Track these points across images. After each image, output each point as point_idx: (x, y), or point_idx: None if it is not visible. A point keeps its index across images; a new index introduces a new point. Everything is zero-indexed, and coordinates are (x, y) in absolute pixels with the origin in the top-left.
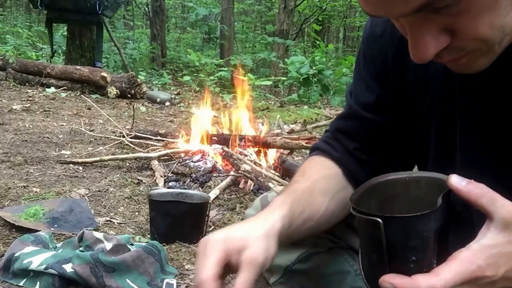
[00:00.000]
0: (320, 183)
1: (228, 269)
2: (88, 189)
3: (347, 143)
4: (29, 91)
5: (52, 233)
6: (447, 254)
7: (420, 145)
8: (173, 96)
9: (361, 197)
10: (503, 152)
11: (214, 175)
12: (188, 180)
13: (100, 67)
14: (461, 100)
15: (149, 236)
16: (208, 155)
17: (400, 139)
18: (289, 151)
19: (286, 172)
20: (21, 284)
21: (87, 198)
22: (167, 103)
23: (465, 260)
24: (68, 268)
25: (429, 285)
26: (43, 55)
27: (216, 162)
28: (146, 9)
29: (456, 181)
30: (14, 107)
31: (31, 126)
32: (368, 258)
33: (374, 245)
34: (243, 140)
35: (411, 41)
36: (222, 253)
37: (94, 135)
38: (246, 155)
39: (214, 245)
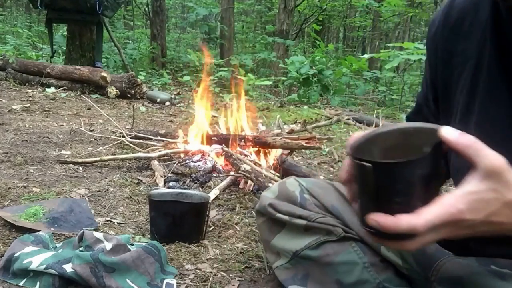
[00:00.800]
0: None
1: None
2: (88, 189)
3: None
4: (29, 91)
5: (52, 233)
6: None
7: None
8: (173, 96)
9: (364, 145)
10: None
11: (214, 175)
12: (188, 180)
13: (100, 67)
14: (486, 79)
15: (149, 236)
16: (208, 155)
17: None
18: (289, 151)
19: (286, 172)
20: (21, 284)
21: (87, 198)
22: (167, 103)
23: (447, 203)
24: (68, 268)
25: (410, 223)
26: (43, 55)
27: (216, 162)
28: (146, 9)
29: (447, 131)
30: (14, 107)
31: (31, 126)
32: (361, 201)
33: (366, 188)
34: (243, 140)
35: None
36: None
37: (94, 135)
38: (246, 155)
39: None
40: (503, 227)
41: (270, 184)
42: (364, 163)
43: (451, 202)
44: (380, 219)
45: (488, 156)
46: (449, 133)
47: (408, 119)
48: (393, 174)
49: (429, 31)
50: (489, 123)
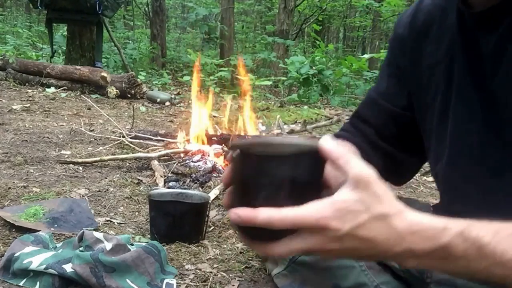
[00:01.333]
0: None
1: None
2: (88, 189)
3: (365, 129)
4: (29, 91)
5: (52, 233)
6: None
7: (428, 132)
8: (173, 96)
9: (255, 145)
10: (486, 134)
11: (214, 175)
12: (188, 180)
13: (100, 67)
14: (458, 84)
15: (149, 236)
16: (208, 155)
17: (413, 132)
18: None
19: None
20: (21, 284)
21: (87, 198)
22: (167, 103)
23: (312, 208)
24: (68, 268)
25: (267, 215)
26: (43, 55)
27: (216, 163)
28: (146, 9)
29: (323, 141)
30: (14, 107)
31: (31, 126)
32: (233, 193)
33: (235, 180)
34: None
35: None
36: None
37: (94, 135)
38: None
39: None
40: (373, 244)
41: None
42: (236, 150)
43: (316, 207)
44: (240, 212)
45: (356, 166)
46: (324, 143)
47: (358, 113)
48: (258, 166)
49: (395, 32)
50: (463, 130)
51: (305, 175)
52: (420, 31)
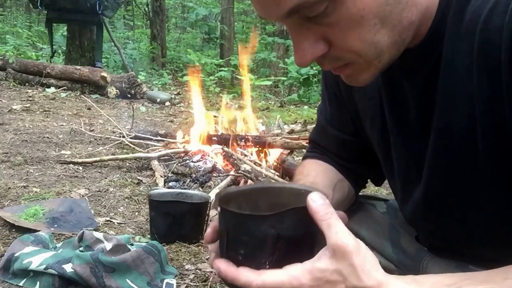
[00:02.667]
0: (320, 177)
1: None
2: (88, 189)
3: (327, 153)
4: (29, 91)
5: (52, 233)
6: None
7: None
8: (173, 96)
9: (251, 193)
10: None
11: (214, 175)
12: (188, 180)
13: (100, 67)
14: (390, 117)
15: (149, 236)
16: (208, 155)
17: (366, 152)
18: (289, 151)
19: (286, 172)
20: (21, 284)
21: (87, 198)
22: (167, 103)
23: (292, 274)
24: (68, 268)
25: (247, 279)
26: (43, 55)
27: (216, 163)
28: (146, 9)
29: (312, 198)
30: (14, 107)
31: (31, 126)
32: (219, 247)
33: (219, 233)
34: (243, 140)
35: (294, 45)
36: None
37: (94, 135)
38: (246, 155)
39: None
40: None
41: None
42: (218, 206)
43: (296, 274)
44: (222, 266)
45: (337, 234)
46: (312, 200)
47: (312, 140)
48: (238, 224)
49: None
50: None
51: (291, 231)
52: None
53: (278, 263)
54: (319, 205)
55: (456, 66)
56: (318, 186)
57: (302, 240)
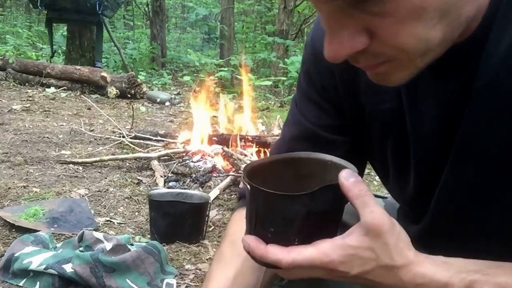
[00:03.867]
0: (244, 277)
1: None
2: (88, 189)
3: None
4: (29, 91)
5: (52, 233)
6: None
7: (380, 163)
8: (173, 96)
9: (276, 164)
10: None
11: (214, 175)
12: (188, 180)
13: (100, 67)
14: (412, 126)
15: (149, 236)
16: (208, 155)
17: (363, 157)
18: None
19: None
20: (21, 284)
21: (87, 198)
22: (167, 103)
23: (322, 251)
24: (68, 268)
25: (276, 258)
26: (43, 55)
27: (216, 163)
28: (146, 9)
29: (344, 176)
30: (14, 107)
31: (31, 126)
32: (246, 223)
33: (248, 210)
34: (243, 140)
35: (327, 35)
36: None
37: (94, 135)
38: (246, 155)
39: None
40: (382, 285)
41: None
42: (248, 184)
43: (327, 250)
44: (252, 243)
45: (372, 212)
46: (345, 178)
47: (285, 135)
48: (268, 203)
49: (316, 50)
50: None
51: (320, 208)
52: None
53: (307, 239)
54: (352, 183)
55: (498, 72)
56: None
57: (330, 216)
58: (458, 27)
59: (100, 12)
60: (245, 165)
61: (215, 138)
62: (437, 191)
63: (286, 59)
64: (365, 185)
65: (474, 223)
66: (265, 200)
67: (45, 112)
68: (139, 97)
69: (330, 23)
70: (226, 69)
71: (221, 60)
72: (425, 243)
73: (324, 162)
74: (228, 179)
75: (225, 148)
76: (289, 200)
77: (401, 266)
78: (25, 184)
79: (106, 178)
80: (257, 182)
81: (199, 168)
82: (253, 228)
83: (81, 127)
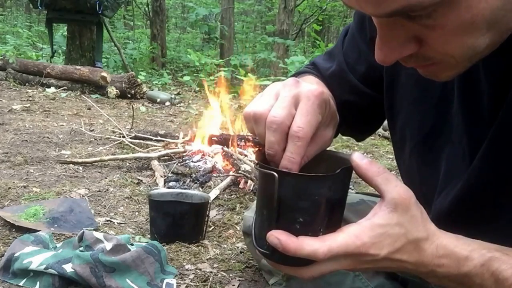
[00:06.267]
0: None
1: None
2: (88, 189)
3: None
4: (29, 91)
5: (52, 233)
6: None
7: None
8: (173, 96)
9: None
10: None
11: (214, 175)
12: (188, 180)
13: (100, 67)
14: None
15: (149, 236)
16: (208, 155)
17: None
18: None
19: None
20: (21, 284)
21: (87, 198)
22: (167, 103)
23: (353, 234)
24: (68, 268)
25: (313, 248)
26: (43, 55)
27: (216, 163)
28: (146, 9)
29: (357, 157)
30: (14, 107)
31: (31, 126)
32: (260, 215)
33: (267, 200)
34: (243, 140)
35: (378, 40)
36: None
37: (94, 135)
38: (246, 155)
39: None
40: (403, 264)
41: None
42: (270, 171)
43: (357, 233)
44: (282, 237)
45: (396, 187)
46: (360, 159)
47: (321, 73)
48: (298, 188)
49: None
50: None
51: (340, 194)
52: None
53: (330, 228)
54: (368, 162)
55: None
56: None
57: (342, 202)
58: (506, 31)
59: (100, 12)
60: (255, 156)
61: (215, 138)
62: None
63: (286, 59)
64: (379, 163)
65: (492, 208)
66: (296, 185)
67: (45, 112)
68: (139, 97)
69: (382, 30)
70: (226, 69)
71: (221, 60)
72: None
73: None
74: (228, 179)
75: (225, 148)
76: (319, 182)
77: (425, 238)
78: (25, 184)
79: (106, 178)
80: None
81: (199, 168)
82: (273, 222)
83: (81, 127)
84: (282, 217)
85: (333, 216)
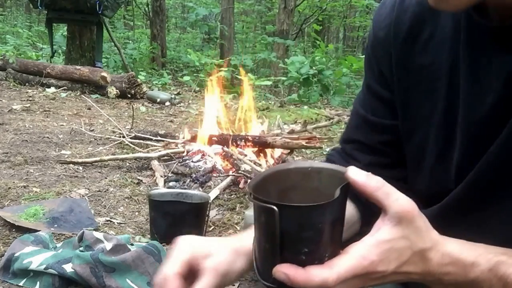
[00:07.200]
0: None
1: (191, 274)
2: (88, 189)
3: (356, 155)
4: (29, 91)
5: (52, 233)
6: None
7: (419, 145)
8: (173, 96)
9: (261, 184)
10: (503, 150)
11: (214, 175)
12: (188, 180)
13: (100, 67)
14: (464, 95)
15: (149, 236)
16: (208, 155)
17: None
18: (289, 151)
19: None
20: (21, 284)
21: (87, 198)
22: (167, 103)
23: (359, 255)
24: (68, 268)
25: (322, 278)
26: (43, 55)
27: (216, 163)
28: (146, 9)
29: (354, 173)
30: (14, 107)
31: (31, 126)
32: (262, 249)
33: (268, 234)
34: (243, 140)
35: None
36: (188, 254)
37: (94, 135)
38: (246, 155)
39: (182, 246)
40: (409, 276)
41: None
42: (269, 205)
43: (363, 253)
44: (289, 271)
45: (398, 200)
46: (357, 174)
47: (346, 139)
48: (301, 219)
49: (375, 35)
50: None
51: (340, 213)
52: (407, 36)
53: (335, 251)
54: (365, 177)
55: None
56: None
57: (343, 220)
58: None
59: (100, 12)
60: (250, 187)
61: (215, 138)
62: (479, 163)
63: (286, 59)
64: (377, 176)
65: (501, 204)
66: (298, 217)
67: (45, 112)
68: (139, 97)
69: None
70: (226, 69)
71: (221, 60)
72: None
73: (303, 170)
74: (228, 179)
75: (225, 148)
76: (321, 210)
77: (430, 247)
78: (25, 184)
79: (106, 178)
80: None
81: (199, 168)
82: (277, 255)
83: (81, 127)
84: (286, 250)
85: (335, 236)
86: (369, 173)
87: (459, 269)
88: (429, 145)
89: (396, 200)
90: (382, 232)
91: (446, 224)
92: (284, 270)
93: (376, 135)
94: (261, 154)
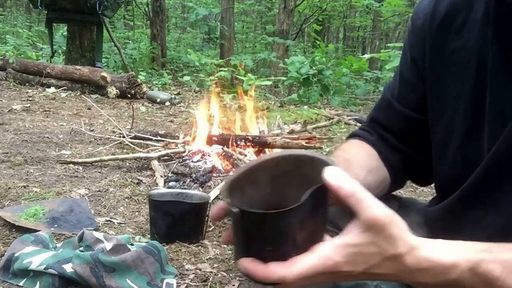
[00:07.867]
0: (358, 157)
1: None
2: (88, 189)
3: (382, 132)
4: (29, 91)
5: (52, 233)
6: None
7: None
8: (173, 96)
9: (251, 172)
10: None
11: (214, 175)
12: (188, 180)
13: (100, 67)
14: (493, 74)
15: (149, 236)
16: (208, 155)
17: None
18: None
19: None
20: (21, 284)
21: (87, 198)
22: (167, 103)
23: (323, 255)
24: (68, 268)
25: (280, 275)
26: (43, 55)
27: (216, 163)
28: (146, 9)
29: (330, 175)
30: (14, 107)
31: (31, 126)
32: (234, 242)
33: (236, 231)
34: (243, 140)
35: None
36: None
37: (94, 135)
38: (246, 155)
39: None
40: (383, 277)
41: None
42: (232, 208)
43: (327, 254)
44: (249, 266)
45: (370, 207)
46: (332, 177)
47: (373, 117)
48: (261, 222)
49: (413, 24)
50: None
51: (311, 214)
52: (442, 23)
53: (304, 247)
54: (340, 181)
55: None
56: (353, 165)
57: (320, 218)
58: None
59: (100, 12)
60: (222, 185)
61: (215, 138)
62: (501, 137)
63: (286, 59)
64: (353, 179)
65: None
66: (257, 222)
67: (45, 112)
68: (139, 97)
69: None
70: (226, 69)
71: (221, 60)
72: (454, 216)
73: (296, 157)
74: None
75: (225, 148)
76: (281, 217)
77: (405, 253)
78: (25, 184)
79: (106, 178)
80: (236, 195)
81: (199, 168)
82: (245, 249)
83: (81, 127)
84: (251, 246)
85: (309, 235)
86: (346, 175)
87: (438, 272)
88: (457, 124)
89: (367, 207)
90: (350, 236)
91: (466, 206)
92: (245, 265)
93: (396, 122)
94: (261, 154)
